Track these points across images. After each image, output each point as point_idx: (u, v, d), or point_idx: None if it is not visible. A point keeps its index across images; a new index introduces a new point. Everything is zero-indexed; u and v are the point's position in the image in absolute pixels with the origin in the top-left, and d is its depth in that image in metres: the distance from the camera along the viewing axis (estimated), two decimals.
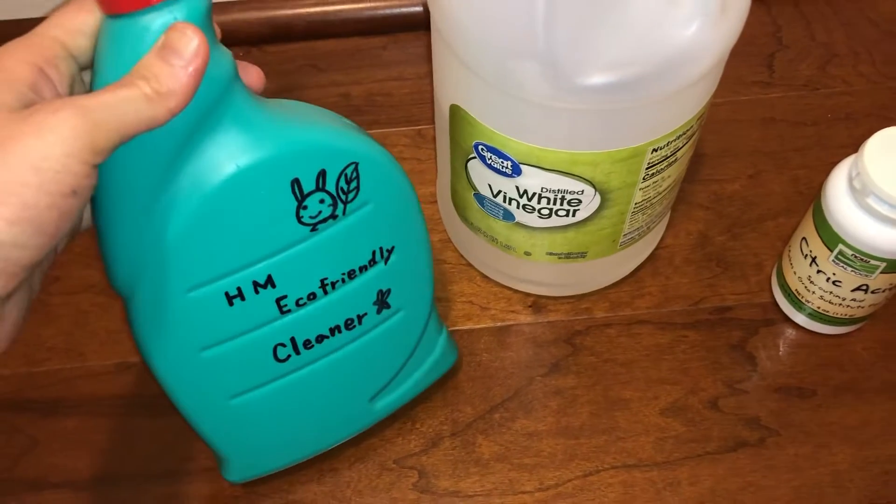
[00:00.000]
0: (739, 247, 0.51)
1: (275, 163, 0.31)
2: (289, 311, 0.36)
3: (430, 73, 0.57)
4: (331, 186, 0.33)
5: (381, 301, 0.38)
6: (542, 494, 0.44)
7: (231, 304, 0.34)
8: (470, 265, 0.50)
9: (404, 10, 0.59)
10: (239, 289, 0.34)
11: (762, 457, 0.45)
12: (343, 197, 0.33)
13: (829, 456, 0.45)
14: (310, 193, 0.32)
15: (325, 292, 0.36)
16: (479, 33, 0.34)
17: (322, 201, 0.33)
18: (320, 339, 0.38)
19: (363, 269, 0.36)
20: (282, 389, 0.38)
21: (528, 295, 0.49)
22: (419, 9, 0.59)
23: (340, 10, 0.58)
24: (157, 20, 0.27)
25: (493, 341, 0.48)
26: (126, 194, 0.30)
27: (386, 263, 0.37)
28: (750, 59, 0.58)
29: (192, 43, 0.27)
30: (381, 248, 0.36)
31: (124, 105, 0.26)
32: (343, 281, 0.36)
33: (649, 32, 0.33)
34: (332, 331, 0.38)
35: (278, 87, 0.58)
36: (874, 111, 0.56)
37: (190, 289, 0.33)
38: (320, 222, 0.33)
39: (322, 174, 0.32)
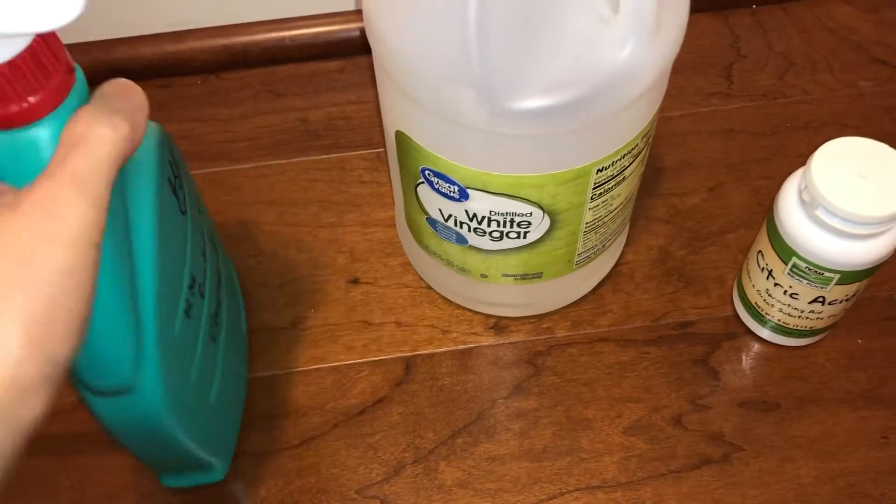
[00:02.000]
0: (700, 261, 0.51)
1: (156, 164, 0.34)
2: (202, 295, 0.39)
3: (370, 101, 0.57)
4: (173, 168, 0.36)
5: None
6: None
7: (189, 317, 0.35)
8: (430, 288, 0.50)
9: (360, 32, 0.59)
10: (188, 300, 0.35)
11: (727, 473, 0.44)
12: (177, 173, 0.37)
13: (794, 470, 0.44)
14: (175, 179, 0.36)
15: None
16: (415, 60, 0.34)
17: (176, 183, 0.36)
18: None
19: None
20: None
21: (490, 316, 0.49)
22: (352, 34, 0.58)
23: (296, 35, 0.58)
24: (44, 132, 0.26)
25: (455, 364, 0.48)
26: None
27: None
28: (708, 70, 0.58)
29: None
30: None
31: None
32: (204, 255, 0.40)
33: (584, 55, 0.33)
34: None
35: (237, 114, 0.58)
36: (833, 119, 0.56)
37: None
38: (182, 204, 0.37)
39: (171, 160, 0.36)
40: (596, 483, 0.44)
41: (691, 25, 0.60)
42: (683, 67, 0.58)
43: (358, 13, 0.59)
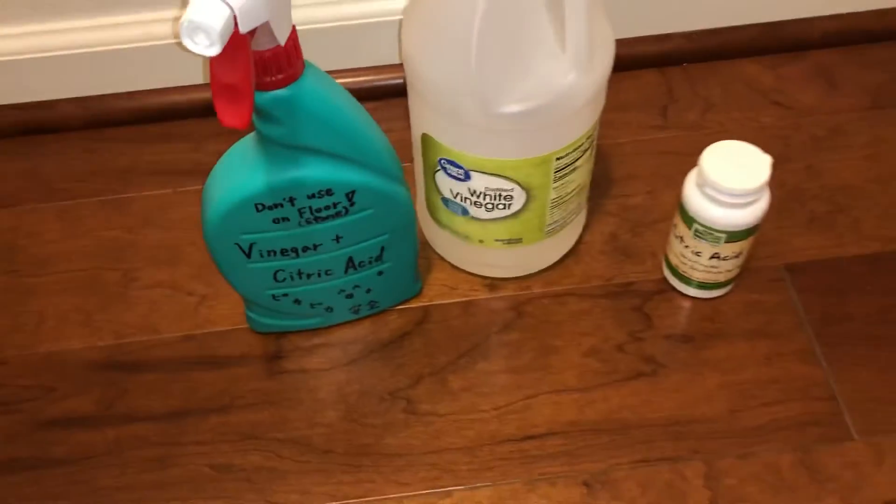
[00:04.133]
0: (640, 241, 0.69)
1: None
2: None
3: (406, 128, 0.76)
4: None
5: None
6: (496, 412, 0.61)
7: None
8: (442, 258, 0.68)
9: (388, 82, 0.78)
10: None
11: (655, 383, 0.62)
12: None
13: (703, 381, 0.62)
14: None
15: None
16: (437, 82, 0.53)
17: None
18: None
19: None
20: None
21: (485, 278, 0.67)
22: (398, 81, 0.78)
23: (340, 83, 0.78)
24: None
25: (460, 311, 0.66)
26: None
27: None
28: (649, 109, 0.78)
29: None
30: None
31: None
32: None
33: (545, 78, 0.52)
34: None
35: None
36: None
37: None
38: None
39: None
40: (562, 388, 0.62)
41: (637, 77, 0.82)
42: (630, 107, 0.77)
43: (385, 68, 0.78)
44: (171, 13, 0.74)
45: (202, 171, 0.74)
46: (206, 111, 0.78)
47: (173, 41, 0.74)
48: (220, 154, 0.56)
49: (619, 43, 0.57)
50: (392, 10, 0.74)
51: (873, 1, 0.79)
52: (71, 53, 0.74)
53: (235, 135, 0.55)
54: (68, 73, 0.76)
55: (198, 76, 0.77)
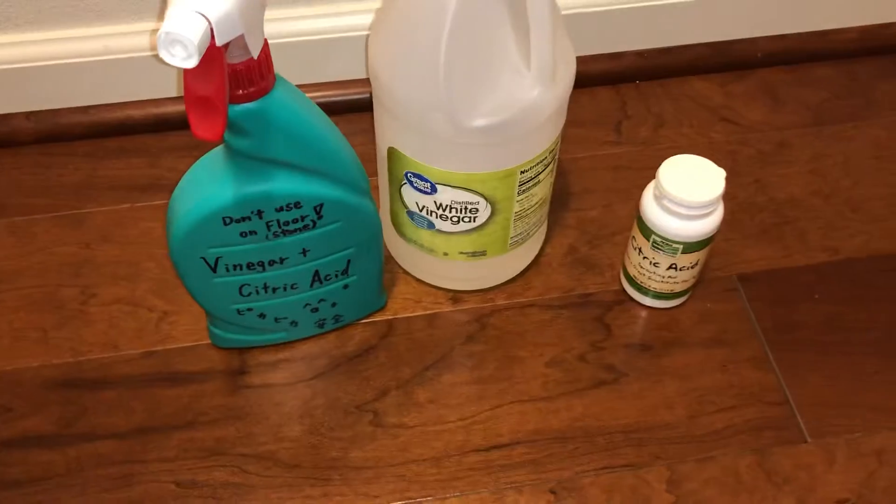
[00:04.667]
0: (598, 253, 0.71)
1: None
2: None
3: (370, 142, 0.76)
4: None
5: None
6: (462, 423, 0.61)
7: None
8: (407, 273, 0.69)
9: (350, 97, 0.79)
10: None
11: (616, 391, 0.63)
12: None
13: (662, 388, 0.63)
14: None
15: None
16: (405, 96, 0.54)
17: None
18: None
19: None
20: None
21: (449, 291, 0.68)
22: (360, 96, 0.79)
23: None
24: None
25: (424, 324, 0.66)
26: None
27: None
28: (604, 126, 0.80)
29: None
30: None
31: None
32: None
33: (510, 94, 0.54)
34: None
35: None
36: None
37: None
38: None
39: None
40: (526, 398, 0.63)
41: (592, 94, 0.84)
42: (586, 123, 0.79)
43: (347, 83, 0.79)
44: (128, 27, 0.73)
45: (159, 186, 0.74)
46: (162, 126, 0.78)
47: (131, 55, 0.74)
48: (177, 169, 0.56)
49: (576, 60, 0.58)
50: (354, 25, 0.75)
51: (814, 22, 0.83)
52: (24, 66, 0.73)
53: (195, 150, 0.56)
54: (22, 87, 0.74)
55: (155, 91, 0.77)
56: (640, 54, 0.82)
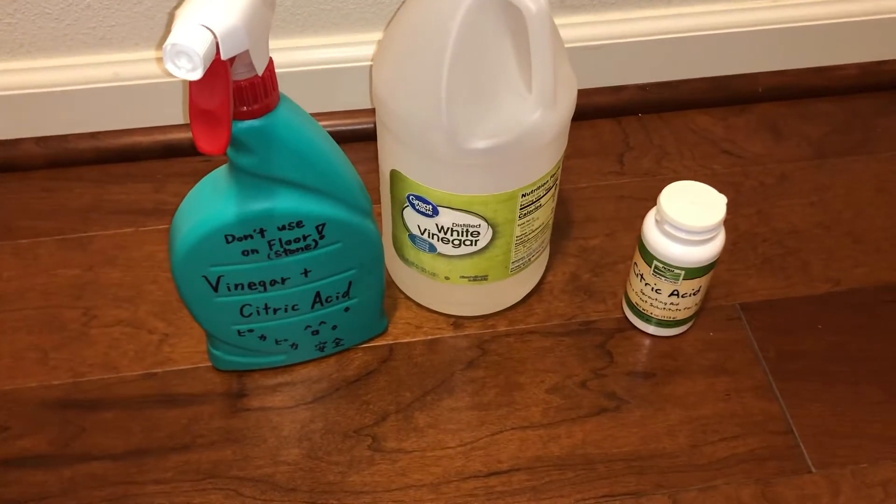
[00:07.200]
0: (600, 282, 0.71)
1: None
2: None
3: (374, 171, 0.77)
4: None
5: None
6: (462, 448, 0.61)
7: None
8: (408, 297, 0.69)
9: (355, 126, 0.80)
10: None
11: (617, 418, 0.63)
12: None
13: (665, 416, 0.63)
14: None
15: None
16: (407, 117, 0.55)
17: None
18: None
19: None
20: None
21: (451, 316, 0.68)
22: (363, 126, 0.79)
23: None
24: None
25: (425, 349, 0.66)
26: None
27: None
28: (607, 157, 0.80)
29: None
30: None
31: None
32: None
33: (512, 115, 0.54)
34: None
35: None
36: None
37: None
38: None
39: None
40: (526, 424, 0.62)
41: (595, 126, 0.85)
42: (589, 154, 0.80)
43: (351, 113, 0.80)
44: (137, 55, 0.75)
45: (164, 211, 0.75)
46: (169, 152, 0.79)
47: (139, 82, 0.75)
48: (182, 195, 0.57)
49: (578, 93, 0.59)
50: (360, 56, 0.76)
51: (813, 59, 0.84)
52: (35, 92, 0.74)
53: (200, 176, 0.56)
54: (32, 112, 0.75)
55: (162, 118, 0.78)
56: (642, 88, 0.83)
